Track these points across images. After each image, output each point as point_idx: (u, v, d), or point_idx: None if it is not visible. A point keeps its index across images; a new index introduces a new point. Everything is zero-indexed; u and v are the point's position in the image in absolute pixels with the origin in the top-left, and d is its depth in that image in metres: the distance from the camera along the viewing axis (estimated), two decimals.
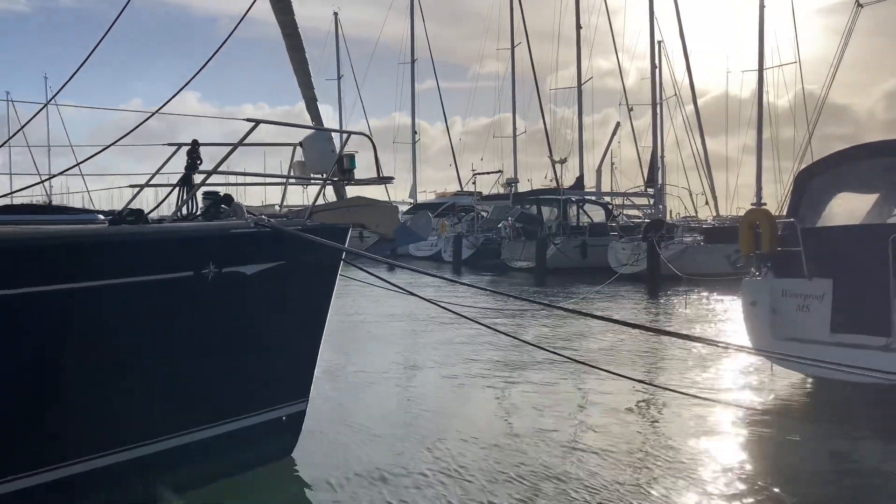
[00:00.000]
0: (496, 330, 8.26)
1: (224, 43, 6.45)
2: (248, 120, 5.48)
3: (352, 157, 6.19)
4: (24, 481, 4.47)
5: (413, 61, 47.99)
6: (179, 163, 5.86)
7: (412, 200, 47.26)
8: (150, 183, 6.07)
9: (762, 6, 29.58)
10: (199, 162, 5.96)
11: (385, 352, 11.49)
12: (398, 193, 47.77)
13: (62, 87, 6.07)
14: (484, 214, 37.43)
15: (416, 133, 48.88)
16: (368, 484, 5.66)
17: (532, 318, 14.52)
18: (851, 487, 5.70)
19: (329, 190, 6.69)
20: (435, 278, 12.80)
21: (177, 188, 5.85)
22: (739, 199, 36.46)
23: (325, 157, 6.15)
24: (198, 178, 5.75)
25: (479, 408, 8.11)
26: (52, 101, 7.78)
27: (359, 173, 6.40)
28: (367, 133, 6.30)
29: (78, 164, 6.33)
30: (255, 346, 5.58)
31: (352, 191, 6.75)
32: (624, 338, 11.94)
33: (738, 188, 34.88)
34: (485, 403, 8.32)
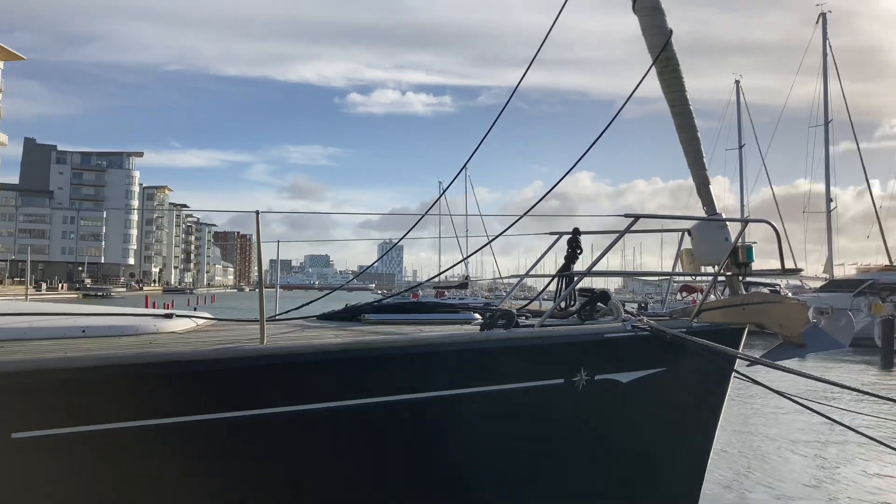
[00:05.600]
0: None
1: (611, 123, 6.16)
2: (627, 216, 5.03)
3: (749, 249, 5.31)
4: None
5: (827, 122, 43.12)
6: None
7: (826, 276, 41.79)
8: (531, 274, 5.97)
9: None
10: (579, 252, 5.74)
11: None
12: (811, 268, 42.75)
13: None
14: None
15: (831, 200, 43.50)
16: None
17: None
18: None
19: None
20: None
21: (555, 279, 5.66)
22: None
23: (718, 248, 5.39)
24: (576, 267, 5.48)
25: None
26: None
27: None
28: (769, 221, 5.31)
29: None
30: (627, 461, 4.98)
31: None
32: None
33: None
34: None
